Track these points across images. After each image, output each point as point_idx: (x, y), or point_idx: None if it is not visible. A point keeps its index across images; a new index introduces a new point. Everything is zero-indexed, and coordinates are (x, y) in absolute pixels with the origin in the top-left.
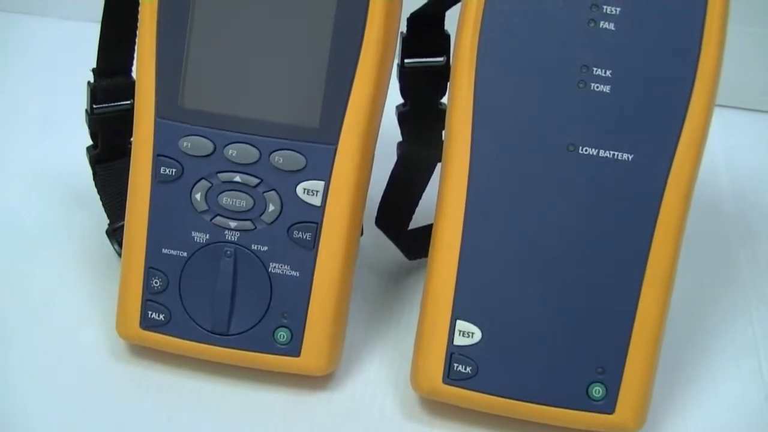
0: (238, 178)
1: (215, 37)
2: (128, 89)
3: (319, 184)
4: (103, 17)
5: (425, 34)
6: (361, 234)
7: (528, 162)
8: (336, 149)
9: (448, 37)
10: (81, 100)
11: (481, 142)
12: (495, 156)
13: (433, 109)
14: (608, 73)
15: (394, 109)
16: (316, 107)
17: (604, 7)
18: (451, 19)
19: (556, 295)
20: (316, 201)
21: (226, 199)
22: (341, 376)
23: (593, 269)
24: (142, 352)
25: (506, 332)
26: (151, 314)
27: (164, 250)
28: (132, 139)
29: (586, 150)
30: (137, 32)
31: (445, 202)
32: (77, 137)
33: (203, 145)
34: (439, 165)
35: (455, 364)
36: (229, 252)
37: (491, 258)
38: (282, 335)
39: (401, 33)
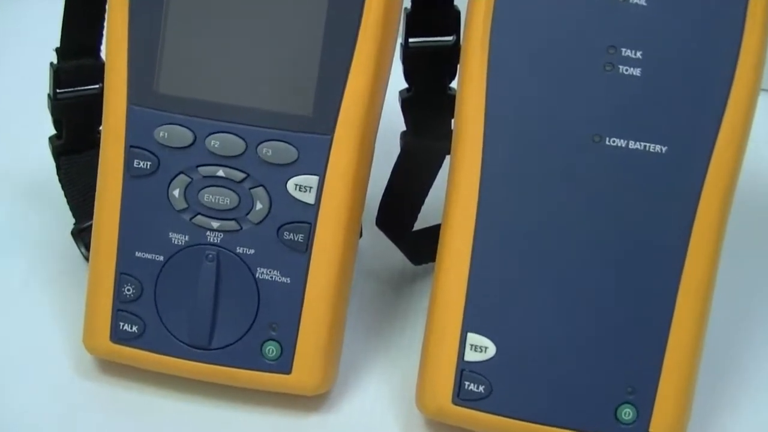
0: (221, 172)
1: (196, 13)
2: (96, 71)
3: (312, 180)
4: None
5: (432, 11)
6: (360, 236)
7: (548, 155)
8: (331, 140)
9: (458, 13)
10: (44, 84)
11: (495, 132)
12: (511, 148)
13: (441, 95)
14: (638, 54)
15: (396, 96)
16: (309, 93)
17: None
18: None
19: (580, 305)
20: (310, 198)
21: (208, 196)
22: (337, 396)
23: (622, 276)
24: (112, 368)
25: (524, 347)
26: (123, 326)
27: (138, 254)
28: (101, 128)
29: (613, 141)
30: (107, 6)
31: (455, 199)
32: (39, 126)
33: (182, 135)
34: (447, 158)
35: (466, 383)
36: (211, 255)
37: (506, 263)
38: (271, 349)
39: (405, 9)
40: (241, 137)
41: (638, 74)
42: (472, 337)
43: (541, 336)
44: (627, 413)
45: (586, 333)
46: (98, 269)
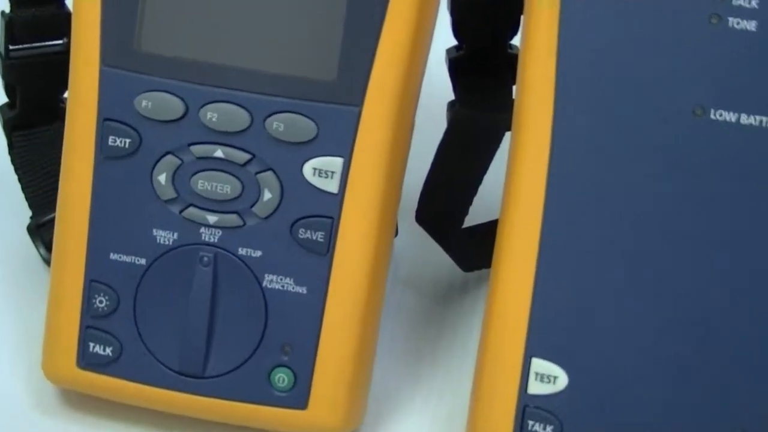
0: (219, 152)
1: None
2: (61, 23)
3: (335, 163)
4: None
5: None
6: (396, 234)
7: (635, 132)
8: (360, 112)
9: None
10: None
11: (568, 102)
12: (588, 122)
13: (500, 54)
14: (754, 2)
15: (442, 55)
16: (332, 53)
17: None
18: None
19: (676, 324)
20: (332, 186)
21: (203, 183)
22: None
23: (733, 287)
24: (79, 401)
25: (603, 377)
26: (94, 347)
27: (113, 256)
28: (66, 96)
29: (720, 115)
30: None
31: (516, 189)
32: None
33: (170, 105)
34: (507, 135)
35: (530, 422)
36: (206, 258)
37: (582, 269)
38: (281, 378)
39: None
40: (245, 108)
41: (753, 28)
42: (538, 364)
43: (626, 364)
44: None
45: (686, 360)
46: (62, 275)
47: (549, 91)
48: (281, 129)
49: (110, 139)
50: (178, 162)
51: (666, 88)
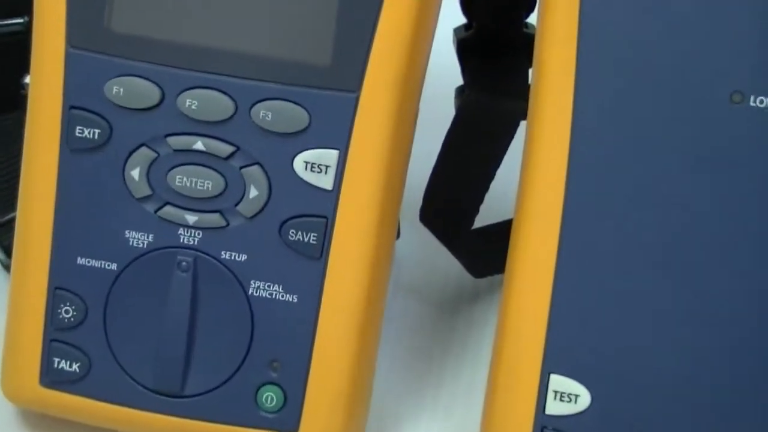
0: (200, 144)
1: None
2: (20, 0)
3: (329, 156)
4: None
5: None
6: (398, 236)
7: (665, 120)
8: (357, 99)
9: None
10: None
11: (590, 87)
12: (612, 110)
13: (514, 33)
14: None
15: (449, 36)
16: (326, 34)
17: None
18: None
19: (716, 335)
20: (326, 182)
21: (181, 179)
22: None
23: None
24: (42, 424)
25: (629, 395)
26: (59, 363)
27: (80, 260)
28: (28, 82)
29: (761, 101)
30: None
31: (533, 185)
32: None
33: (144, 92)
34: (522, 124)
35: None
36: (185, 263)
37: (606, 275)
38: (269, 397)
39: None
40: (228, 95)
41: None
42: (557, 381)
43: (658, 381)
44: None
45: (727, 378)
46: (24, 282)
47: (569, 75)
48: (269, 118)
49: (77, 129)
50: (154, 155)
51: (700, 72)
